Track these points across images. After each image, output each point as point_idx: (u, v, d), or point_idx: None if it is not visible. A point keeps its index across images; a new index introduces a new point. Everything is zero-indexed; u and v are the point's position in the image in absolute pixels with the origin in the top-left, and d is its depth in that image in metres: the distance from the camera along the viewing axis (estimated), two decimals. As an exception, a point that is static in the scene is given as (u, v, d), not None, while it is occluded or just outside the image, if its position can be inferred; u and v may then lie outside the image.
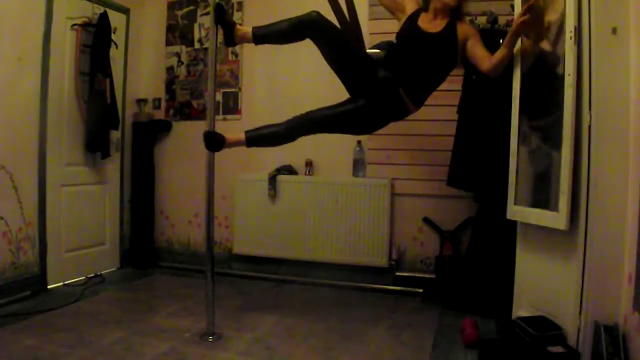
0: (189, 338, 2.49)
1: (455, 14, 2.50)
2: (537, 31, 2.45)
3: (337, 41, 2.47)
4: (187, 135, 3.99)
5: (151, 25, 4.09)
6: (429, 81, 2.52)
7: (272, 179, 3.63)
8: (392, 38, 3.37)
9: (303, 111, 2.53)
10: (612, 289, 1.94)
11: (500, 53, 2.45)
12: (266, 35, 2.49)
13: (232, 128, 2.73)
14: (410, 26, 2.53)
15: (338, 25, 2.59)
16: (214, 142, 2.47)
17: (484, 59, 2.47)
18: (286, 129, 2.49)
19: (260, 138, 2.53)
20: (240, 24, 2.55)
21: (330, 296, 3.32)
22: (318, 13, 2.39)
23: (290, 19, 2.42)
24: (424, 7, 2.55)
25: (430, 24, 2.51)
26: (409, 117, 3.41)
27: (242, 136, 2.51)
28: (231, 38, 2.47)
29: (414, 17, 2.55)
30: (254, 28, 2.48)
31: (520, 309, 2.47)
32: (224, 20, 2.46)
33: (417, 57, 2.46)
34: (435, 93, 3.41)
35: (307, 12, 2.39)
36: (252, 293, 3.37)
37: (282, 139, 2.55)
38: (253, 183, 3.71)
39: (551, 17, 2.35)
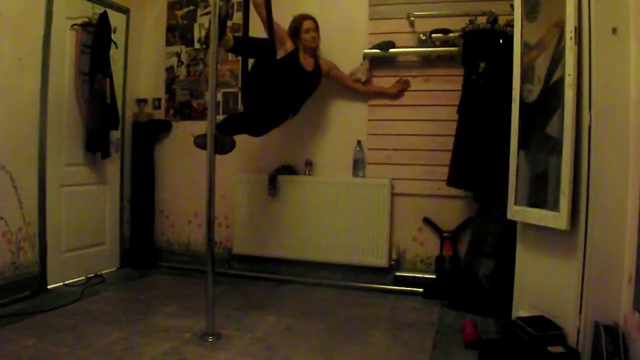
0: (189, 338, 2.49)
1: (316, 52, 3.32)
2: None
3: (270, 65, 3.04)
4: (187, 135, 3.98)
5: (151, 25, 4.09)
6: (303, 101, 3.30)
7: (272, 179, 3.63)
8: (391, 38, 3.43)
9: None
10: (612, 289, 1.94)
11: (363, 89, 3.47)
12: (240, 49, 3.06)
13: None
14: (294, 63, 3.15)
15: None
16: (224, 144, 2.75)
17: (346, 78, 3.47)
18: (222, 127, 2.95)
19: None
20: (228, 33, 2.92)
21: (330, 296, 3.32)
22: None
23: (260, 42, 3.04)
24: (299, 47, 3.20)
25: (306, 61, 3.21)
26: (409, 117, 3.48)
27: None
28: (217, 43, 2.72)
29: (295, 55, 3.17)
30: (234, 37, 2.95)
31: (520, 309, 2.47)
32: (224, 26, 2.52)
33: (300, 88, 3.21)
34: (435, 93, 3.46)
35: (267, 38, 2.99)
36: (252, 293, 3.36)
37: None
38: (253, 183, 3.71)
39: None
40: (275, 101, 3.09)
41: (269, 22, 2.93)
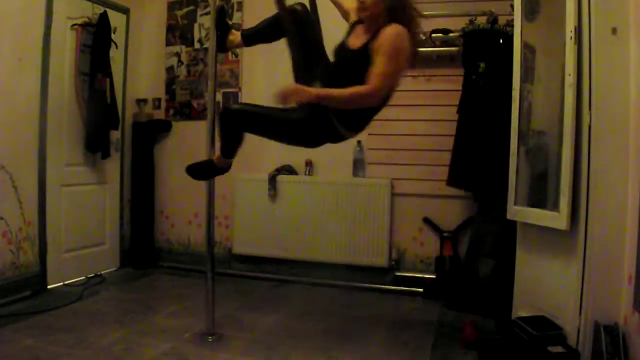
0: (189, 338, 2.49)
1: (387, 21, 2.08)
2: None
3: (310, 40, 2.24)
4: (187, 135, 3.99)
5: (151, 25, 4.09)
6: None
7: (272, 179, 3.63)
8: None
9: None
10: (612, 289, 1.94)
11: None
12: (252, 35, 2.45)
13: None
14: (341, 41, 2.27)
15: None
16: (202, 170, 2.40)
17: (367, 78, 2.04)
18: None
19: (227, 147, 2.34)
20: (234, 30, 2.54)
21: (330, 296, 3.32)
22: (303, 6, 2.25)
23: (273, 17, 2.32)
24: (361, 19, 2.21)
25: (357, 38, 2.18)
26: (409, 117, 3.47)
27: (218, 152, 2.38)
28: (224, 43, 2.49)
29: (350, 30, 2.30)
30: (242, 30, 2.50)
31: (520, 309, 2.47)
32: (223, 23, 2.47)
33: (342, 77, 2.10)
34: (435, 93, 3.45)
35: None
36: (252, 293, 3.36)
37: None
38: (253, 183, 3.71)
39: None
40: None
41: None
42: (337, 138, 2.27)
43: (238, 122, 2.25)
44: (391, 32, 2.04)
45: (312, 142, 2.35)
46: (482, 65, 3.00)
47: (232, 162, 2.42)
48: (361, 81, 2.04)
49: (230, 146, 2.34)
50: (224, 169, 2.41)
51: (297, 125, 2.22)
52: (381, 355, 2.37)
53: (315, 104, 2.08)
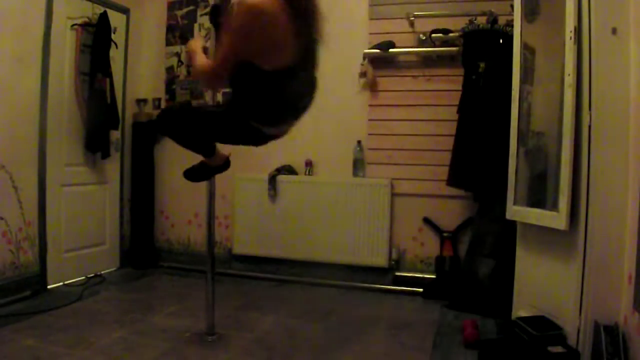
0: (189, 338, 2.49)
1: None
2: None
3: None
4: (187, 135, 3.98)
5: (151, 25, 4.09)
6: (252, 92, 1.89)
7: (272, 179, 3.63)
8: (391, 38, 3.43)
9: None
10: (612, 289, 1.94)
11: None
12: None
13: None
14: None
15: None
16: (199, 172, 2.36)
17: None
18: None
19: (196, 149, 2.30)
20: None
21: (330, 296, 3.32)
22: None
23: None
24: None
25: None
26: (409, 117, 3.46)
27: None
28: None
29: None
30: None
31: (520, 309, 2.47)
32: (219, 22, 2.47)
33: None
34: (435, 93, 3.45)
35: None
36: (252, 293, 3.36)
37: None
38: (253, 183, 3.71)
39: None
40: None
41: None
42: (259, 134, 2.03)
43: (176, 122, 2.15)
44: (238, 3, 1.72)
45: (245, 138, 2.13)
46: (482, 65, 3.00)
47: (229, 155, 2.31)
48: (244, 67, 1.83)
49: (197, 146, 2.21)
50: (221, 165, 2.33)
51: (218, 117, 2.08)
52: (381, 355, 2.37)
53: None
